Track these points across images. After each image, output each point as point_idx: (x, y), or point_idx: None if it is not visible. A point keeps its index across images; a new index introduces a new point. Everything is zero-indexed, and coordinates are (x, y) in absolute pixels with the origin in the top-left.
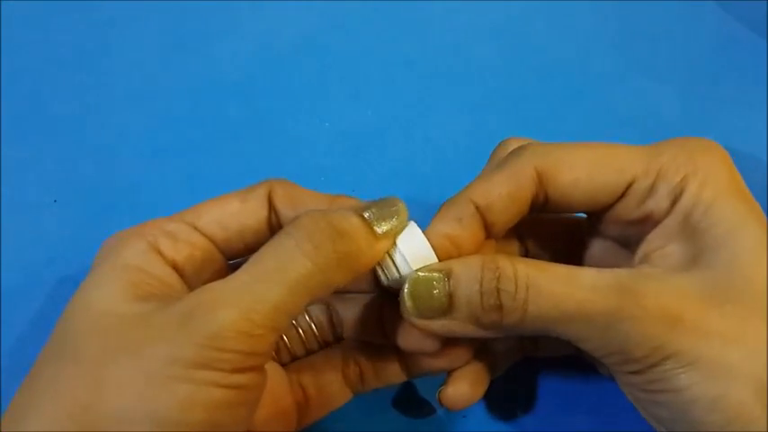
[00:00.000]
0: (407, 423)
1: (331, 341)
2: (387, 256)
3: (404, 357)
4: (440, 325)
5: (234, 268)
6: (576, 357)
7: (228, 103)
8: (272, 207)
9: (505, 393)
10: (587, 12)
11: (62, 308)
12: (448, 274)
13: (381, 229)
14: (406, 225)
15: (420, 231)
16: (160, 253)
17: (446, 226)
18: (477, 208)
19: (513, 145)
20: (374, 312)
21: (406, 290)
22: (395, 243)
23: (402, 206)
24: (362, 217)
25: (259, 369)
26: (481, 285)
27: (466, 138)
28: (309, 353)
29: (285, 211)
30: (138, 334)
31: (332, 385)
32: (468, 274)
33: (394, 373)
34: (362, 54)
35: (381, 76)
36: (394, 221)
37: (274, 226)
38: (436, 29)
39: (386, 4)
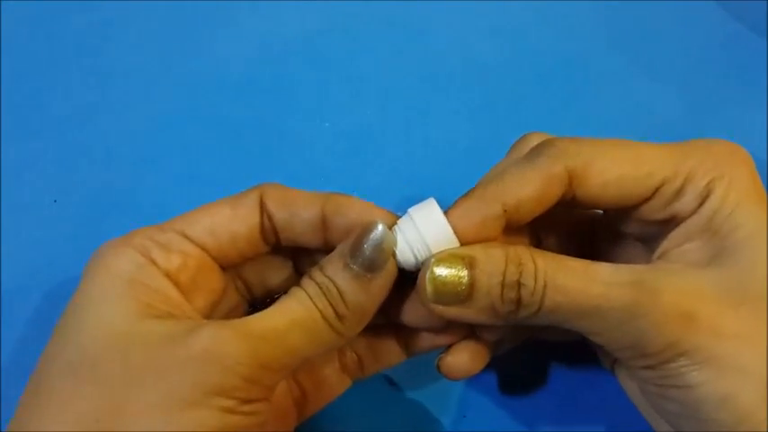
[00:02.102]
0: (407, 423)
1: None
2: (401, 237)
3: (402, 336)
4: (455, 312)
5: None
6: (580, 345)
7: (228, 103)
8: (264, 212)
9: (505, 393)
10: (587, 12)
11: (62, 308)
12: (471, 264)
13: (373, 272)
14: (393, 251)
15: (441, 214)
16: (156, 264)
17: (470, 225)
18: (505, 208)
19: (535, 140)
20: None
21: (427, 275)
22: (413, 221)
23: (385, 236)
24: (352, 270)
25: (266, 399)
26: (504, 278)
27: (466, 138)
28: None
29: (279, 214)
30: (164, 358)
31: (329, 378)
32: (492, 266)
33: (393, 354)
34: (363, 54)
35: (381, 76)
36: (383, 255)
37: (268, 231)
38: (436, 29)
39: (386, 4)
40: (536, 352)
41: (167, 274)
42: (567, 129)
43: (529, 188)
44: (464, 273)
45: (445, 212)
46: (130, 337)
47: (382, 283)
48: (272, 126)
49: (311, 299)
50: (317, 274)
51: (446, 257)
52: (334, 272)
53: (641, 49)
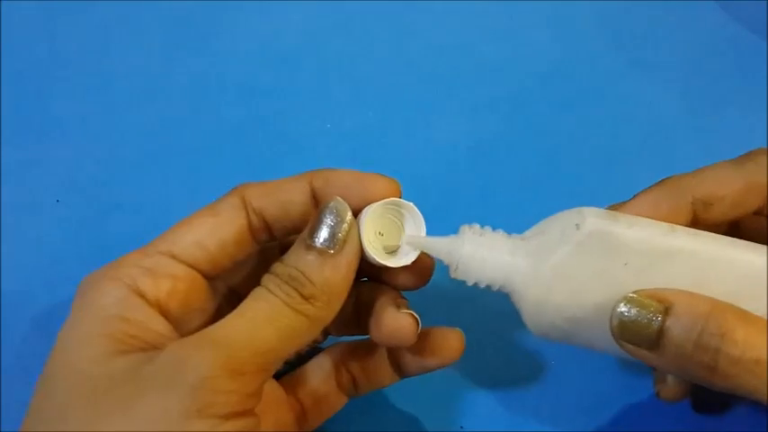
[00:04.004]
0: (406, 424)
1: (320, 339)
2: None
3: (394, 358)
4: (642, 355)
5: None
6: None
7: (230, 103)
8: (250, 211)
9: (502, 403)
10: (588, 12)
11: (63, 308)
12: (667, 310)
13: (337, 247)
14: (351, 222)
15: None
16: (142, 295)
17: (654, 214)
18: (694, 201)
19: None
20: (347, 305)
21: (617, 309)
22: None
23: (342, 207)
24: (314, 249)
25: (251, 413)
26: (699, 337)
27: (467, 138)
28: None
29: (270, 208)
30: (126, 390)
31: (327, 395)
32: (688, 318)
33: (386, 375)
34: (364, 55)
35: (383, 76)
36: (344, 227)
37: (258, 229)
38: (437, 30)
39: (387, 4)
40: (534, 360)
41: (157, 303)
42: (567, 129)
43: (726, 189)
44: (656, 317)
45: (632, 197)
46: (95, 380)
47: (348, 255)
48: (273, 127)
49: (271, 292)
50: (276, 266)
51: (640, 298)
52: (296, 257)
53: (641, 49)
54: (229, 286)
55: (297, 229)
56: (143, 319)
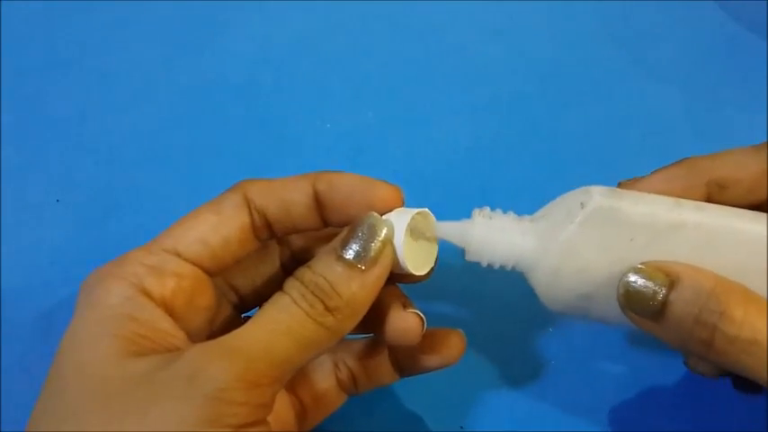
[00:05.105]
0: (406, 423)
1: None
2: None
3: (395, 357)
4: (645, 325)
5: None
6: (579, 351)
7: (230, 103)
8: (252, 208)
9: (502, 403)
10: (588, 12)
11: (63, 309)
12: (672, 283)
13: (367, 263)
14: (385, 240)
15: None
16: (148, 294)
17: (668, 191)
18: (709, 183)
19: None
20: None
21: (624, 278)
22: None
23: (377, 223)
24: (346, 261)
25: (263, 422)
26: (699, 312)
27: (467, 138)
28: None
29: (271, 206)
30: (142, 394)
31: (328, 393)
32: (692, 293)
33: (386, 374)
34: (364, 55)
35: (382, 76)
36: (378, 246)
37: (259, 227)
38: (437, 30)
39: (387, 4)
40: (534, 359)
41: (162, 302)
42: (567, 129)
43: (742, 173)
44: (661, 289)
45: (649, 174)
46: (109, 381)
47: (378, 273)
48: (273, 127)
49: (295, 302)
50: (304, 272)
51: (648, 269)
52: (325, 266)
53: (642, 49)
54: (229, 282)
55: (297, 229)
56: (150, 318)
